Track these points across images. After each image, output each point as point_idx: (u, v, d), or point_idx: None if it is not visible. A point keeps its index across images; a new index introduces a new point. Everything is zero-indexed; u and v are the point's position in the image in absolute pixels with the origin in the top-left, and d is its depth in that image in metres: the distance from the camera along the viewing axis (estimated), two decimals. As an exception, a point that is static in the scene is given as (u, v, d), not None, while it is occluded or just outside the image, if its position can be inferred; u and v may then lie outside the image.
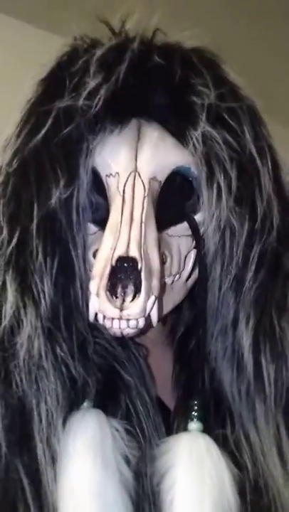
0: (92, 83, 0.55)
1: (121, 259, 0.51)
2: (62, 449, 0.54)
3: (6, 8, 1.64)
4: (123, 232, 0.52)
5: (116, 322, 0.50)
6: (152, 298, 0.51)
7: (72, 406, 0.56)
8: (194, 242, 0.59)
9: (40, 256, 0.54)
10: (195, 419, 0.57)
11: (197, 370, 0.59)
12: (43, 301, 0.54)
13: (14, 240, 0.55)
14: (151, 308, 0.52)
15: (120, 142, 0.56)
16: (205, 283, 0.59)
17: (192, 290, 0.63)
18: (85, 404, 0.56)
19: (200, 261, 0.59)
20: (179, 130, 0.57)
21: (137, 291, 0.50)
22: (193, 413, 0.57)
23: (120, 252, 0.51)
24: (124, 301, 0.50)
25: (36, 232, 0.55)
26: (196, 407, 0.57)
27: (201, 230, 0.59)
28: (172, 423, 0.60)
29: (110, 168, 0.56)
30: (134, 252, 0.51)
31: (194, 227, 0.59)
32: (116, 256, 0.51)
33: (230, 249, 0.57)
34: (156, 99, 0.57)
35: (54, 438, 0.54)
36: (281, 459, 0.58)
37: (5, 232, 0.56)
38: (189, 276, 0.61)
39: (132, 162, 0.56)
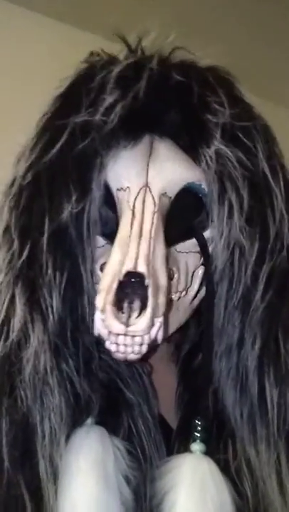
0: (109, 99, 0.55)
1: (129, 274, 0.50)
2: (64, 465, 0.53)
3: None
4: (132, 247, 0.52)
5: (121, 338, 0.50)
6: (160, 317, 0.51)
7: (75, 422, 0.55)
8: (202, 259, 0.59)
9: (49, 270, 0.54)
10: (198, 440, 0.56)
11: (202, 390, 0.58)
12: (50, 315, 0.54)
13: (25, 254, 0.55)
14: (159, 329, 0.51)
15: (132, 157, 0.57)
16: (212, 301, 0.58)
17: (198, 308, 0.62)
18: (89, 421, 0.55)
19: (207, 278, 0.58)
20: (191, 147, 0.58)
21: (143, 307, 0.50)
22: (196, 434, 0.56)
23: (128, 267, 0.50)
24: (129, 316, 0.50)
25: (47, 246, 0.55)
26: (199, 428, 0.56)
27: (210, 248, 0.59)
28: (173, 443, 0.59)
29: (121, 183, 0.56)
30: (142, 268, 0.50)
31: (203, 244, 0.58)
32: (124, 271, 0.50)
33: (239, 269, 0.57)
34: (171, 116, 0.57)
35: (56, 454, 0.54)
36: (280, 486, 0.57)
37: (16, 244, 0.56)
38: (196, 295, 0.61)
39: (143, 177, 0.56)
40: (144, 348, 0.51)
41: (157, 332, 0.51)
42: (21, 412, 0.55)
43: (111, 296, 0.50)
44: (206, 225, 0.59)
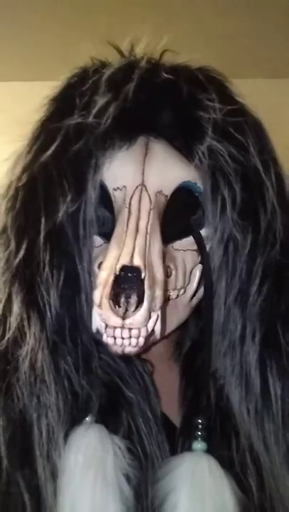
0: (101, 101, 0.56)
1: (125, 269, 0.51)
2: (63, 463, 0.53)
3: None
4: (128, 242, 0.52)
5: (118, 331, 0.50)
6: (157, 311, 0.51)
7: (74, 420, 0.55)
8: (200, 257, 0.60)
9: (47, 268, 0.55)
10: (199, 439, 0.55)
11: (203, 387, 0.58)
12: (48, 313, 0.55)
13: (21, 252, 0.56)
14: (156, 321, 0.51)
15: (128, 158, 0.58)
16: (211, 299, 0.59)
17: (198, 306, 0.63)
18: (88, 418, 0.55)
19: (205, 276, 0.59)
20: (185, 146, 0.59)
21: (140, 301, 0.50)
22: (197, 432, 0.56)
23: (124, 261, 0.51)
24: (126, 310, 0.50)
25: (43, 244, 0.55)
26: (200, 427, 0.56)
27: (207, 246, 0.59)
28: (177, 441, 0.59)
29: (117, 182, 0.57)
30: (137, 261, 0.51)
31: (200, 241, 0.59)
32: (120, 265, 0.51)
33: (234, 263, 0.57)
34: (164, 116, 0.59)
35: (55, 453, 0.54)
36: None
37: (12, 244, 0.57)
38: (194, 294, 0.61)
39: (139, 176, 0.57)
40: (142, 341, 0.51)
41: (154, 325, 0.51)
42: (18, 410, 0.55)
43: (107, 290, 0.50)
44: (202, 223, 0.59)
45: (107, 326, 0.50)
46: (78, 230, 0.56)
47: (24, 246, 0.56)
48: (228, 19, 1.76)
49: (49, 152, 0.57)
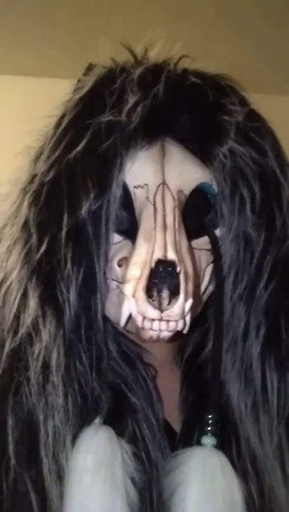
0: (131, 100, 0.57)
1: (160, 262, 0.51)
2: (71, 464, 0.53)
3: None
4: (159, 237, 0.53)
5: (156, 323, 0.51)
6: (190, 300, 0.52)
7: (82, 422, 0.55)
8: (213, 256, 0.61)
9: (69, 264, 0.55)
10: (209, 434, 0.56)
11: (213, 383, 0.59)
12: (67, 310, 0.55)
13: (43, 247, 0.56)
14: (188, 312, 0.53)
15: (148, 157, 0.59)
16: (222, 297, 0.60)
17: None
18: (97, 420, 0.55)
19: (217, 275, 0.60)
20: (202, 149, 0.60)
21: (172, 295, 0.51)
22: (207, 427, 0.56)
23: (159, 255, 0.52)
24: (160, 304, 0.51)
25: (65, 240, 0.55)
26: (210, 422, 0.57)
27: (220, 245, 0.61)
28: (177, 446, 0.59)
29: (139, 180, 0.58)
30: (172, 256, 0.52)
31: (214, 241, 0.60)
32: (155, 258, 0.51)
33: (244, 259, 0.59)
34: (183, 119, 0.60)
35: (61, 455, 0.54)
36: (283, 473, 0.58)
37: (34, 238, 0.57)
38: (204, 291, 0.62)
39: (160, 175, 0.58)
40: (181, 324, 0.52)
41: (188, 316, 0.52)
42: (26, 410, 0.54)
43: (143, 283, 0.51)
44: (216, 224, 0.61)
45: (144, 318, 0.51)
46: (100, 229, 0.56)
47: (46, 241, 0.56)
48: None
49: (78, 149, 0.57)
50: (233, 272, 0.60)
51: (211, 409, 0.57)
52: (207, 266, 0.61)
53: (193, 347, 0.67)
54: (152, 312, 0.50)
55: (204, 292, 0.62)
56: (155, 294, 0.51)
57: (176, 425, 0.62)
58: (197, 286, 0.59)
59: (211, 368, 0.60)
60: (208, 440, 0.56)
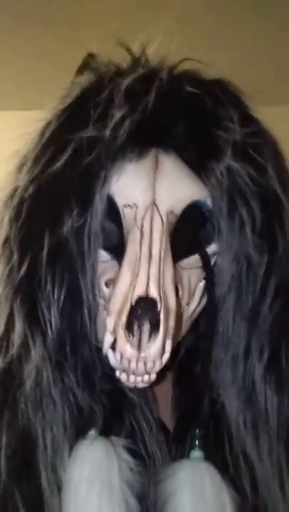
0: (117, 114, 0.54)
1: (141, 300, 0.50)
2: (68, 477, 0.54)
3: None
4: (142, 270, 0.52)
5: (133, 364, 0.50)
6: (169, 341, 0.51)
7: (78, 433, 0.56)
8: (204, 273, 0.60)
9: (48, 285, 0.54)
10: (196, 448, 0.57)
11: (200, 398, 0.60)
12: (49, 330, 0.54)
13: (24, 267, 0.55)
14: (168, 351, 0.52)
15: (138, 171, 0.56)
16: (214, 313, 0.59)
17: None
18: (92, 432, 0.56)
19: (209, 292, 0.59)
20: (197, 161, 0.57)
21: (153, 329, 0.51)
22: (195, 441, 0.58)
23: (139, 291, 0.51)
24: (140, 339, 0.50)
25: (46, 260, 0.54)
26: (198, 437, 0.58)
27: (215, 260, 0.60)
28: (171, 446, 0.61)
29: (128, 199, 0.56)
30: (153, 293, 0.51)
31: (206, 260, 0.59)
32: (136, 296, 0.51)
33: (247, 281, 0.58)
34: (178, 129, 0.57)
35: (60, 467, 0.54)
36: (282, 492, 0.59)
37: (15, 257, 0.56)
38: (195, 308, 0.61)
39: (150, 194, 0.55)
40: (154, 377, 0.52)
41: (165, 355, 0.52)
42: (21, 425, 0.55)
43: (123, 320, 0.50)
44: (211, 239, 0.59)
45: (122, 357, 0.51)
46: (83, 244, 0.55)
47: (27, 261, 0.55)
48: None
49: (58, 164, 0.55)
50: (234, 291, 0.59)
51: (198, 424, 0.58)
52: (198, 283, 0.60)
53: (185, 350, 0.67)
54: (130, 352, 0.50)
55: (195, 309, 0.61)
56: (136, 328, 0.50)
57: (170, 425, 0.63)
58: (179, 317, 0.58)
59: (199, 386, 0.60)
60: (197, 453, 0.57)
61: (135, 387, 0.53)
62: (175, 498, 0.54)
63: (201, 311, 0.62)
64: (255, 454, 0.59)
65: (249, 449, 0.60)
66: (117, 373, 0.52)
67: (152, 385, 0.61)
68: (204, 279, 0.60)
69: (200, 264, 0.59)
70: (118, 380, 0.56)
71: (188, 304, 0.60)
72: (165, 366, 0.66)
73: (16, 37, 1.75)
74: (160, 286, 0.51)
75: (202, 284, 0.61)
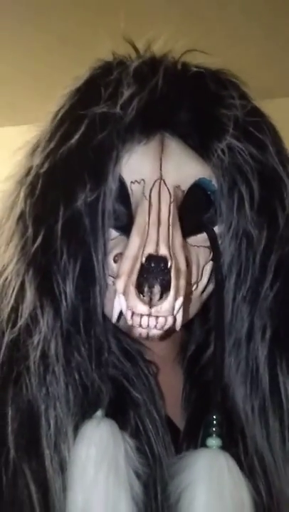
0: (126, 93, 0.57)
1: (150, 258, 0.51)
2: (73, 456, 0.52)
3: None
4: (151, 232, 0.52)
5: (145, 319, 0.50)
6: (180, 298, 0.51)
7: (84, 413, 0.54)
8: (212, 254, 0.60)
9: (64, 256, 0.54)
10: (214, 435, 0.55)
11: (215, 384, 0.58)
12: (64, 302, 0.54)
13: (39, 240, 0.55)
14: (178, 309, 0.51)
15: (146, 152, 0.58)
16: (222, 295, 0.59)
17: (204, 306, 0.63)
18: (99, 413, 0.54)
19: (217, 273, 0.59)
20: (200, 145, 0.59)
21: (163, 290, 0.50)
22: (212, 428, 0.55)
23: (150, 250, 0.51)
24: (151, 299, 0.50)
25: (61, 232, 0.55)
26: (214, 422, 0.55)
27: (219, 243, 0.60)
28: (181, 443, 0.58)
29: (136, 175, 0.57)
30: (164, 251, 0.51)
31: (213, 238, 0.59)
32: (146, 253, 0.51)
33: (247, 259, 0.58)
34: (182, 114, 0.59)
35: (64, 445, 0.53)
36: None
37: (30, 231, 0.56)
38: (204, 290, 0.61)
39: (158, 171, 0.57)
40: (170, 321, 0.51)
41: (178, 310, 0.51)
42: (26, 400, 0.54)
43: (133, 278, 0.50)
44: (215, 221, 0.60)
45: (133, 313, 0.50)
46: (96, 221, 0.56)
47: (42, 233, 0.55)
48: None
49: (73, 141, 0.56)
50: (235, 271, 0.58)
51: (215, 411, 0.56)
52: (206, 264, 0.60)
53: (196, 346, 0.66)
54: (141, 307, 0.49)
55: (203, 291, 0.61)
56: (146, 289, 0.50)
57: (179, 422, 0.61)
58: (189, 283, 0.57)
59: (213, 370, 0.59)
60: (214, 441, 0.54)
61: (148, 336, 0.52)
62: (189, 491, 0.51)
63: (209, 295, 0.62)
64: (264, 443, 0.57)
65: (259, 439, 0.57)
66: (128, 317, 0.51)
67: (160, 381, 0.61)
68: (212, 259, 0.60)
69: (207, 243, 0.60)
70: (120, 368, 0.57)
71: (197, 282, 0.60)
72: (176, 360, 0.65)
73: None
74: (170, 247, 0.52)
75: (209, 266, 0.61)
